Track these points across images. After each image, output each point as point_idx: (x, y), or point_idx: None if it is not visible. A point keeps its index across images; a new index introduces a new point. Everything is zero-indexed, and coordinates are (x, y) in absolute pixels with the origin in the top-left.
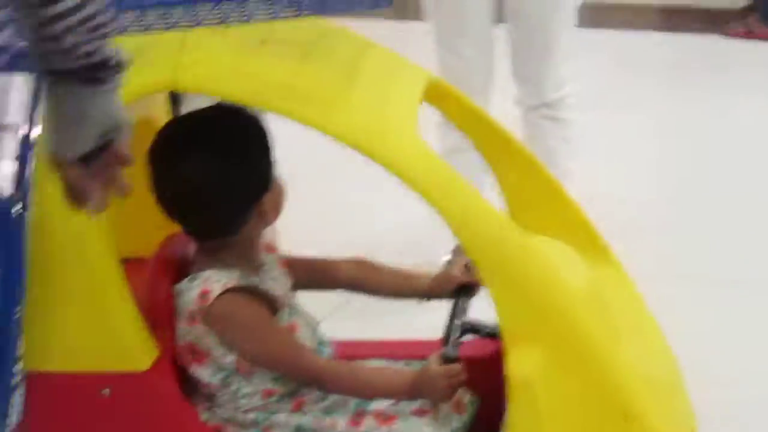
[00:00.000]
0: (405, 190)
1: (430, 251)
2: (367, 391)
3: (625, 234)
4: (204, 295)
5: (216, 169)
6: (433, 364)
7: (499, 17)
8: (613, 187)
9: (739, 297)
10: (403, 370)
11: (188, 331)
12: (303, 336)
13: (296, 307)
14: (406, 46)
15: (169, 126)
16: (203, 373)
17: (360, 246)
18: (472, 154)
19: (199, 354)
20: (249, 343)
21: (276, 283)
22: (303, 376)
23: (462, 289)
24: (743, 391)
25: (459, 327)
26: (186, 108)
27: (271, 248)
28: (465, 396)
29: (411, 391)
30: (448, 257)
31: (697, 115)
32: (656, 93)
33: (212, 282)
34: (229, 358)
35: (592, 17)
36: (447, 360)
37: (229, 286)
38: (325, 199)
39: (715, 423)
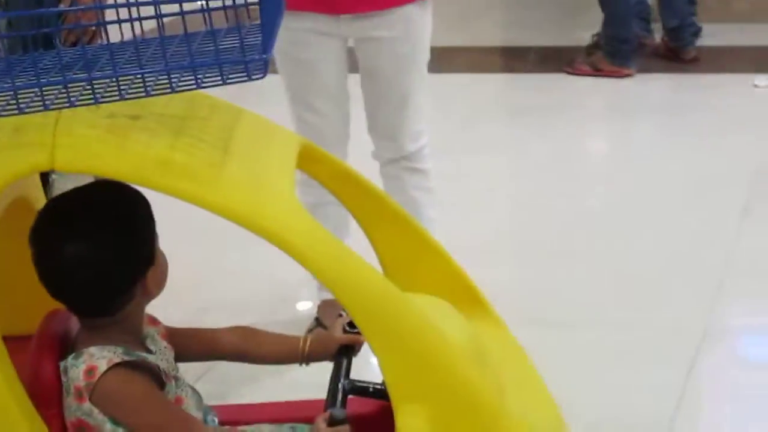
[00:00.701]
0: (270, 250)
1: (297, 307)
2: None
3: (488, 277)
4: (90, 371)
5: (98, 248)
6: (321, 425)
7: (352, 69)
8: (468, 232)
9: (598, 337)
10: None
11: (77, 408)
12: (189, 407)
13: (181, 378)
14: (258, 100)
15: (51, 205)
16: None
17: (227, 306)
18: (332, 208)
19: (88, 430)
20: (138, 418)
21: (160, 356)
22: None
23: (344, 350)
24: None
25: (343, 387)
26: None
27: (154, 321)
28: None
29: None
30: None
31: (546, 152)
32: (505, 133)
33: (97, 358)
34: None
35: (434, 62)
36: (335, 421)
37: (115, 361)
38: (190, 261)
39: None
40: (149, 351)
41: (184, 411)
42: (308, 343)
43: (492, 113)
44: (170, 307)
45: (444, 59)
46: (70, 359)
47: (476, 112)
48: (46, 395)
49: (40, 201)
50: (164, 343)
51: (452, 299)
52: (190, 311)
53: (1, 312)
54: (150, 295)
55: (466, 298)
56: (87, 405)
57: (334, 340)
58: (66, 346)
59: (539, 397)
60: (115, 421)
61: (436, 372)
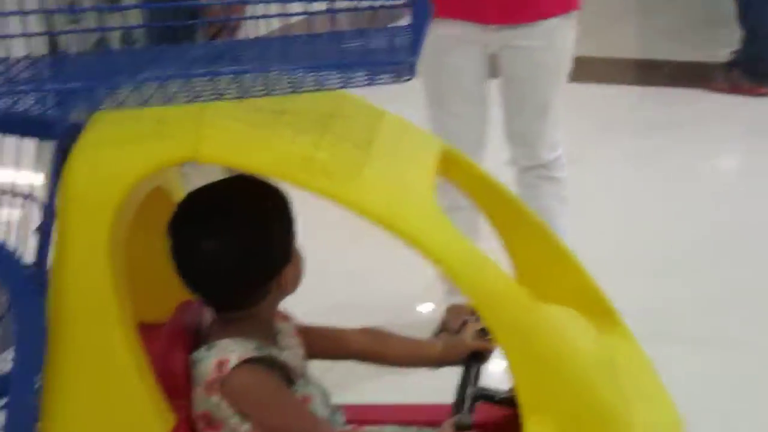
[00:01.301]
0: (397, 253)
1: (421, 311)
2: None
3: (614, 290)
4: (221, 365)
5: (238, 245)
6: (447, 431)
7: (492, 73)
8: (595, 244)
9: (732, 357)
10: None
11: (205, 400)
12: (317, 406)
13: (310, 376)
14: (393, 100)
15: (189, 198)
16: None
17: (352, 306)
18: (464, 213)
19: (215, 423)
20: (265, 415)
21: (291, 352)
22: None
23: (474, 356)
24: None
25: (472, 393)
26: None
27: (286, 317)
28: None
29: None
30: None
31: (677, 168)
32: (636, 147)
33: (229, 352)
34: (245, 428)
35: (571, 71)
36: (461, 428)
37: (246, 356)
38: (320, 258)
39: None
40: (280, 347)
41: (311, 411)
42: (440, 348)
43: (624, 126)
44: (297, 304)
45: (577, 69)
46: (201, 351)
47: (608, 124)
48: (174, 385)
49: (178, 192)
50: (295, 340)
51: (583, 310)
52: (315, 309)
53: (135, 300)
54: (285, 292)
55: (597, 309)
56: (215, 398)
57: (466, 346)
58: (197, 337)
59: (667, 413)
60: (242, 416)
61: (566, 383)
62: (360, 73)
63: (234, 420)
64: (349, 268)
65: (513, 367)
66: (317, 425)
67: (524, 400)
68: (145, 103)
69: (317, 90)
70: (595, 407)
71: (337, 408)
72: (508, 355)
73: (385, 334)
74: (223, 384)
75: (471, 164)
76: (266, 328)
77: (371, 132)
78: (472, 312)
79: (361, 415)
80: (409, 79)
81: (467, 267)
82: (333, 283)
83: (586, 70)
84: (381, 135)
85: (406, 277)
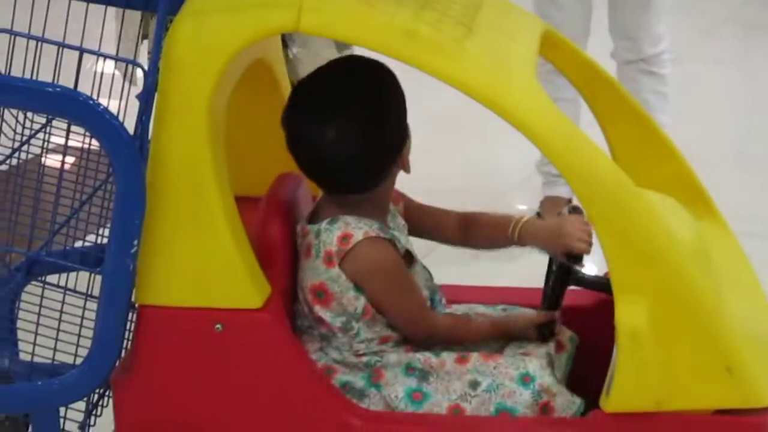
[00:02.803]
0: (492, 150)
1: (519, 203)
2: (478, 341)
3: (711, 187)
4: (345, 238)
5: (361, 131)
6: (531, 333)
7: None
8: (692, 142)
9: None
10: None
11: (324, 271)
12: (421, 285)
13: (415, 257)
14: None
15: (305, 87)
16: (326, 314)
17: (447, 194)
18: (569, 105)
19: (326, 295)
20: (382, 291)
21: (401, 234)
22: (419, 331)
23: None
24: None
25: (561, 276)
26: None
27: (396, 198)
28: (565, 334)
29: (526, 324)
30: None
31: None
32: (739, 49)
33: (353, 228)
34: (357, 304)
35: None
36: (543, 338)
37: (371, 234)
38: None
39: None
40: (394, 227)
41: (422, 295)
42: (519, 227)
43: (729, 28)
44: None
45: None
46: (324, 224)
47: (713, 25)
48: (271, 256)
49: (281, 65)
50: (402, 221)
51: (680, 198)
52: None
53: (234, 172)
54: (401, 170)
55: (695, 199)
56: (335, 270)
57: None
58: (294, 210)
59: (759, 306)
60: (358, 289)
61: (660, 265)
62: None
63: (349, 295)
64: (443, 154)
65: (607, 249)
66: (425, 310)
67: (617, 281)
68: None
69: None
70: (687, 292)
71: (438, 288)
72: (603, 237)
73: (479, 220)
74: (345, 256)
75: (573, 48)
76: (383, 209)
77: (474, 10)
78: (568, 204)
79: (454, 295)
80: None
81: (565, 143)
82: (427, 168)
83: None
84: (483, 12)
85: (501, 167)
